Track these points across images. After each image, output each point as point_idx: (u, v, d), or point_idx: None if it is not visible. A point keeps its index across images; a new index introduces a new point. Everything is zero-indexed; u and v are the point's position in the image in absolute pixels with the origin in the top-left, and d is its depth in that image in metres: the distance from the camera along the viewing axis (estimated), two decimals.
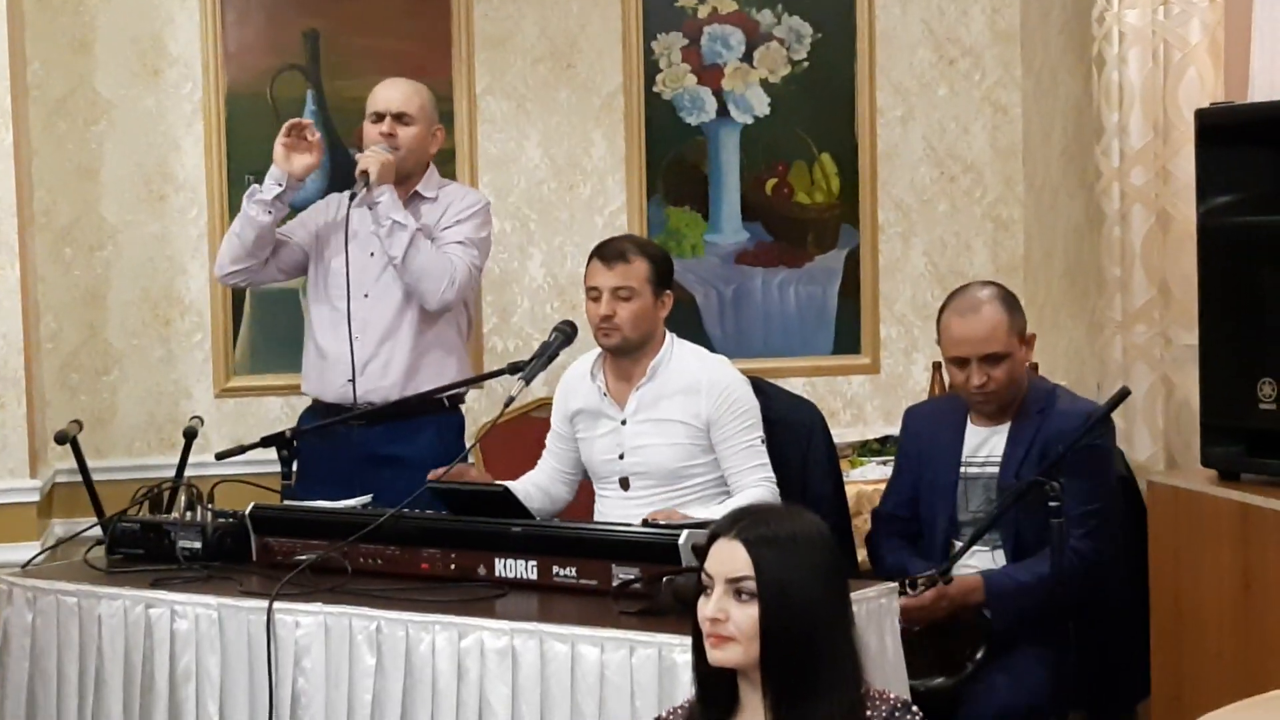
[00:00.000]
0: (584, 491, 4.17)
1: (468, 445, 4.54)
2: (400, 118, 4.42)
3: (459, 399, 4.55)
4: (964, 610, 3.76)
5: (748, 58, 5.44)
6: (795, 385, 5.17)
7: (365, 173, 4.29)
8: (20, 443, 4.49)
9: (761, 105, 5.45)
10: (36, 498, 4.52)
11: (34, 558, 4.08)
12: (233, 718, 3.50)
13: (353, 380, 4.37)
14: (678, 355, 3.97)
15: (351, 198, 4.31)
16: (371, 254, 4.38)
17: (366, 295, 4.40)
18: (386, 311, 4.40)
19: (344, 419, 4.32)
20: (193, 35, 5.12)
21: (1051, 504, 3.56)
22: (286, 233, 4.51)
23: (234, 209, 5.10)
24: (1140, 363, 4.50)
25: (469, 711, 3.25)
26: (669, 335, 4.00)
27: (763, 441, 3.93)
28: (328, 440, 4.34)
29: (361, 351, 4.38)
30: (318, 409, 4.48)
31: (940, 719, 3.24)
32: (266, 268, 4.51)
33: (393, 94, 4.46)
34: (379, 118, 4.43)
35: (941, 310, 3.94)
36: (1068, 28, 5.20)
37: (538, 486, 4.09)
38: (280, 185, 4.36)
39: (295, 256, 4.52)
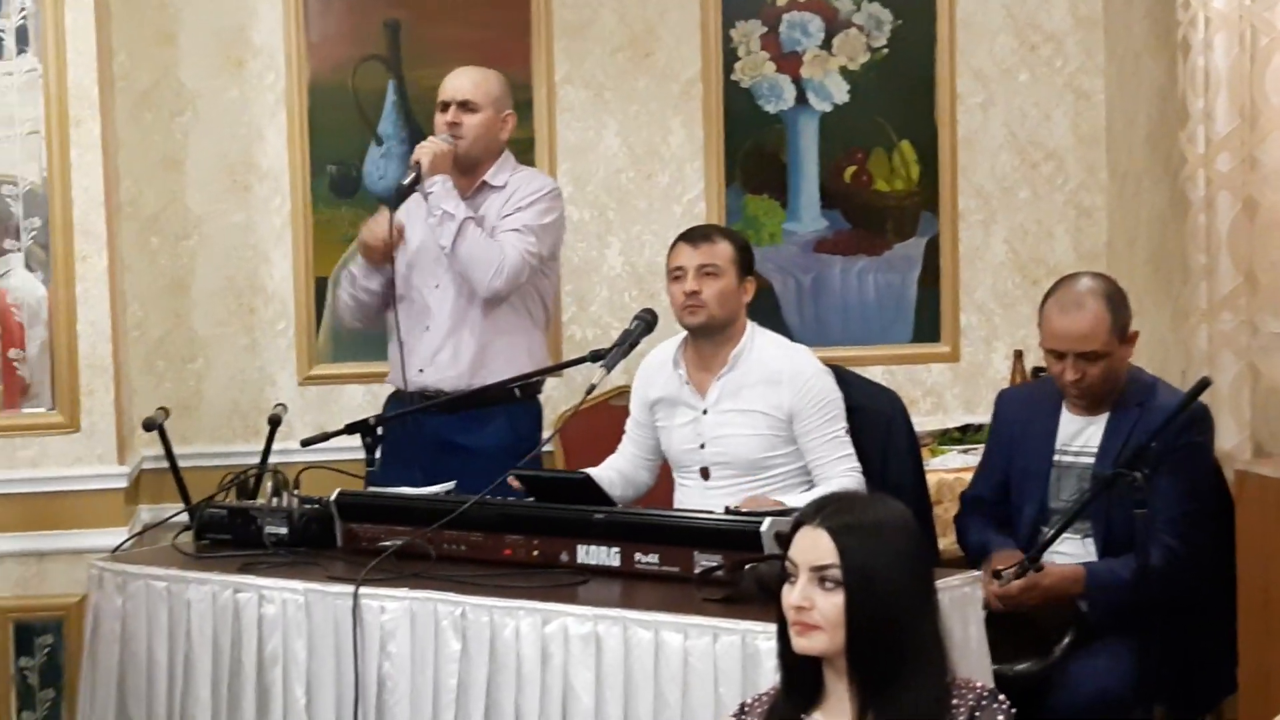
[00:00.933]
0: (664, 480, 4.18)
1: (546, 434, 4.55)
2: (465, 105, 4.43)
3: (534, 389, 4.54)
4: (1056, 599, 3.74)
5: (827, 45, 5.42)
6: (874, 374, 5.12)
7: (418, 163, 4.34)
8: (108, 430, 4.54)
9: (840, 92, 5.43)
10: (124, 484, 4.58)
11: (123, 543, 4.14)
12: (319, 701, 3.54)
13: (406, 369, 4.43)
14: (759, 345, 3.97)
15: (399, 188, 4.38)
16: (443, 245, 4.41)
17: (437, 286, 4.43)
18: (455, 302, 4.42)
19: (420, 408, 4.35)
20: (275, 26, 5.17)
21: (1136, 495, 3.53)
22: None
23: (317, 198, 5.19)
24: (1226, 351, 4.45)
25: (553, 697, 3.27)
26: (750, 324, 3.99)
27: (847, 431, 3.92)
28: (404, 428, 4.38)
29: (431, 341, 4.43)
30: (399, 397, 4.52)
31: (1025, 704, 3.21)
32: (385, 307, 4.58)
33: (458, 82, 4.47)
34: (445, 107, 4.45)
35: (1046, 298, 3.90)
36: (1152, 13, 5.14)
37: (619, 472, 4.10)
38: (377, 273, 4.49)
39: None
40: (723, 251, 3.94)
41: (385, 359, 4.81)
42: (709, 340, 3.97)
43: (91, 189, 4.52)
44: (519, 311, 4.45)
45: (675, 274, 3.96)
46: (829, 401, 3.92)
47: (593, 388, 3.98)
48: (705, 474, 3.97)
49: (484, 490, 3.73)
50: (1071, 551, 3.86)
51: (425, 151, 4.36)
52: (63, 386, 4.51)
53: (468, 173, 4.44)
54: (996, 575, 3.71)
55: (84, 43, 4.50)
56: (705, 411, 3.97)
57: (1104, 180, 5.52)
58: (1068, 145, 5.52)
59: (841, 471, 3.87)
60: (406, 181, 4.37)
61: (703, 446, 3.97)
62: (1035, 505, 3.92)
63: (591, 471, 3.96)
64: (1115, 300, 3.84)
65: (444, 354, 4.42)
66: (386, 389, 4.84)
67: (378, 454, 4.17)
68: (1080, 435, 3.92)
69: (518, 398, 4.45)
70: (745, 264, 3.97)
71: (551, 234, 4.46)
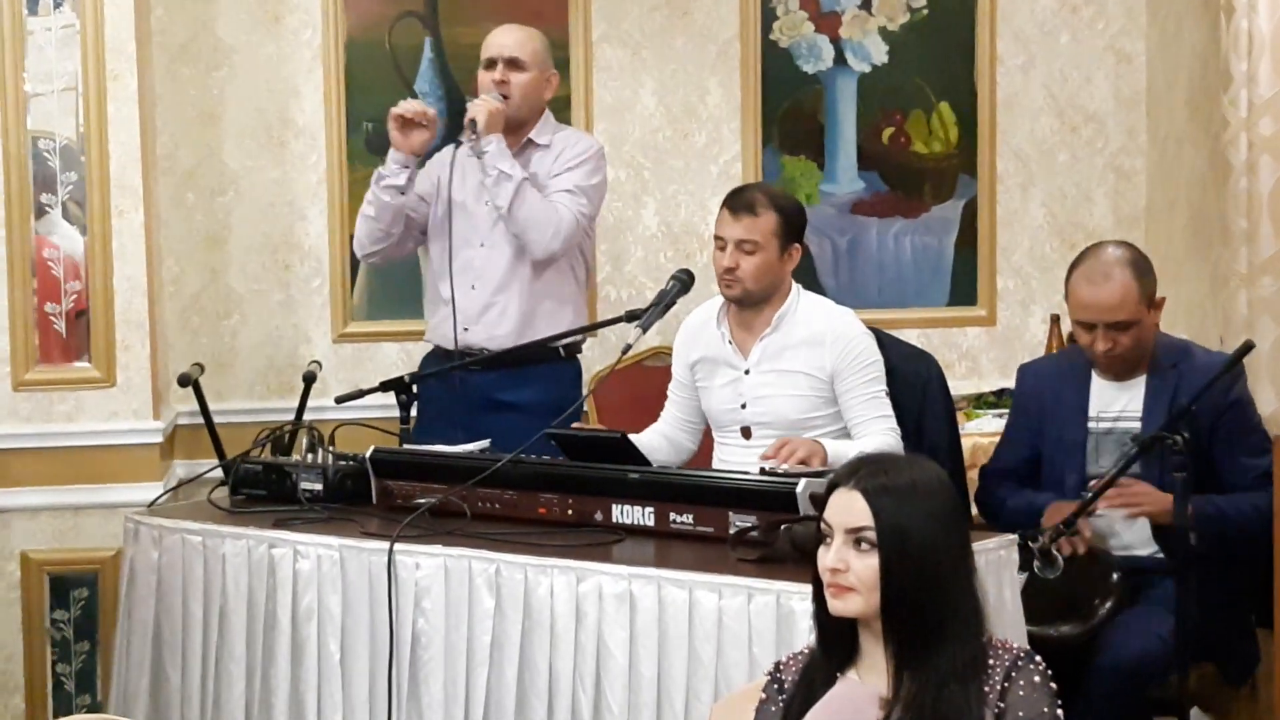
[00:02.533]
0: (704, 438, 4.17)
1: (583, 394, 4.55)
2: (513, 63, 4.42)
3: (576, 347, 4.55)
4: (1097, 559, 3.74)
5: (866, 5, 5.38)
6: (910, 337, 5.10)
7: (473, 121, 4.31)
8: (144, 385, 4.56)
9: (880, 53, 5.39)
10: (159, 439, 4.59)
11: (158, 497, 4.16)
12: (354, 656, 3.56)
13: (454, 327, 4.40)
14: (804, 307, 3.95)
15: (456, 145, 4.36)
16: (487, 203, 4.41)
17: (482, 244, 4.44)
18: (501, 261, 4.42)
19: (462, 365, 4.36)
20: None
21: (1175, 458, 3.52)
22: (417, 191, 4.53)
23: (352, 155, 5.17)
24: (1265, 316, 4.42)
25: (586, 654, 3.27)
26: (795, 286, 3.97)
27: (886, 393, 3.91)
28: (445, 385, 4.39)
29: (477, 300, 4.42)
30: (438, 354, 4.52)
31: (1065, 667, 3.21)
32: (405, 240, 4.54)
33: (506, 40, 4.46)
34: (491, 64, 4.43)
35: (1071, 269, 3.88)
36: None
37: (664, 437, 4.10)
38: (406, 167, 4.39)
39: (427, 216, 4.54)
40: (764, 225, 3.89)
41: (420, 318, 4.83)
42: (749, 306, 3.95)
43: (128, 144, 4.52)
44: (564, 272, 4.46)
45: (717, 242, 3.94)
46: (870, 363, 3.90)
47: (628, 348, 3.97)
48: (747, 433, 3.96)
49: (519, 448, 3.74)
50: (1114, 515, 3.84)
51: (480, 110, 4.32)
52: (99, 341, 4.53)
53: (512, 131, 4.42)
54: (1034, 540, 3.69)
55: None
56: (747, 371, 3.95)
57: (1144, 144, 5.48)
58: (1108, 108, 5.47)
59: (879, 430, 3.86)
60: (464, 139, 4.36)
61: (744, 406, 3.96)
62: (1076, 474, 3.90)
63: (638, 438, 3.95)
64: (1141, 267, 3.82)
65: (491, 313, 4.42)
66: (421, 347, 4.85)
67: (413, 412, 4.19)
68: (1117, 401, 3.91)
69: (561, 356, 4.46)
70: (790, 233, 3.92)
71: (599, 194, 4.48)
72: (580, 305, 4.54)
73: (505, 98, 4.39)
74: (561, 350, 4.45)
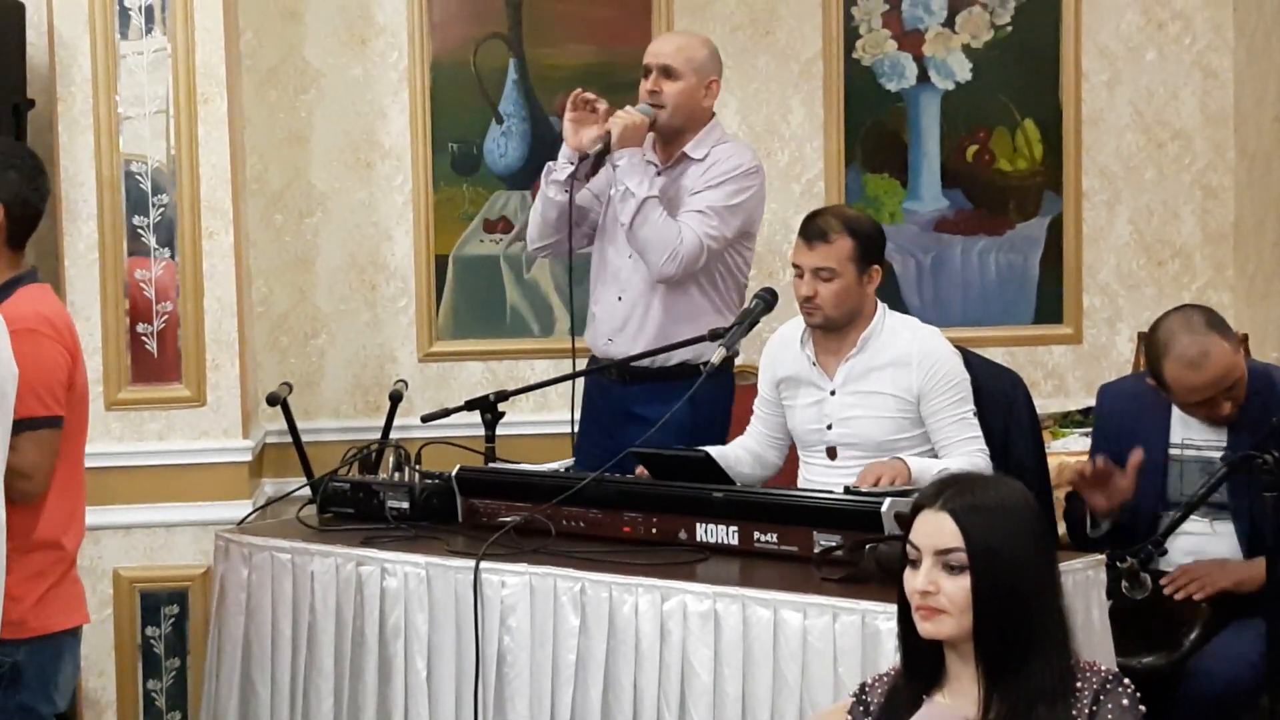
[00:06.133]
0: (788, 457, 4.16)
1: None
2: (666, 72, 4.31)
3: (724, 365, 4.27)
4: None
5: (950, 23, 5.36)
6: (995, 355, 5.04)
7: (608, 133, 4.22)
8: (233, 404, 4.60)
9: (963, 71, 5.38)
10: (249, 458, 4.64)
11: (248, 515, 4.21)
12: (440, 674, 3.58)
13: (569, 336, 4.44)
14: (889, 328, 3.91)
15: (583, 159, 4.26)
16: (623, 223, 4.28)
17: (630, 255, 4.34)
18: (644, 272, 4.30)
19: (583, 373, 4.39)
20: (399, 4, 5.20)
21: (1266, 477, 3.48)
22: (593, 190, 4.45)
23: (438, 176, 5.22)
24: None
25: (671, 673, 3.28)
26: (881, 306, 3.93)
27: (974, 414, 3.87)
28: (601, 396, 4.39)
29: (621, 311, 4.37)
30: (596, 363, 4.47)
31: (1153, 697, 3.19)
32: (579, 238, 4.43)
33: (661, 47, 4.37)
34: (647, 72, 4.33)
35: (1159, 360, 3.79)
36: None
37: (749, 451, 4.08)
38: (572, 163, 4.30)
39: (594, 220, 4.48)
40: (839, 251, 3.84)
41: (504, 337, 4.86)
42: (833, 331, 3.92)
43: (218, 166, 4.58)
44: (706, 290, 4.34)
45: (795, 270, 3.92)
46: (958, 383, 3.86)
47: (712, 366, 3.98)
48: (832, 454, 3.93)
49: (602, 468, 3.76)
50: (1199, 531, 3.81)
51: (618, 122, 4.23)
52: (189, 361, 4.58)
53: (670, 141, 4.34)
54: (1122, 560, 3.66)
55: (212, 21, 4.55)
56: (833, 393, 3.93)
57: (1232, 160, 5.42)
58: (1195, 124, 5.42)
59: (968, 452, 3.81)
60: (595, 151, 4.24)
61: (829, 427, 3.93)
62: (1153, 499, 3.86)
63: (722, 450, 3.95)
64: (1219, 325, 3.79)
65: (631, 325, 4.36)
66: (505, 366, 4.88)
67: (496, 430, 4.21)
68: (1201, 428, 3.86)
69: (701, 372, 4.18)
70: (867, 256, 3.87)
71: (742, 214, 4.29)
72: (724, 323, 4.26)
73: (658, 107, 4.30)
74: (701, 367, 4.21)
